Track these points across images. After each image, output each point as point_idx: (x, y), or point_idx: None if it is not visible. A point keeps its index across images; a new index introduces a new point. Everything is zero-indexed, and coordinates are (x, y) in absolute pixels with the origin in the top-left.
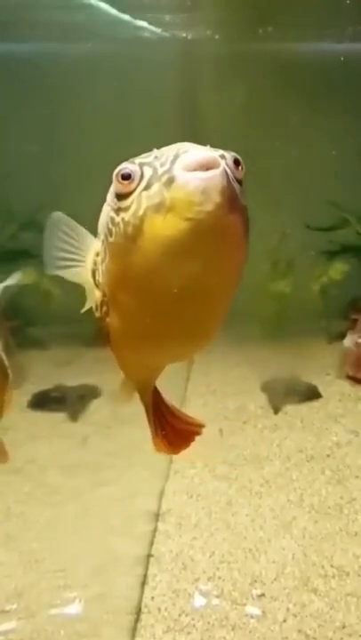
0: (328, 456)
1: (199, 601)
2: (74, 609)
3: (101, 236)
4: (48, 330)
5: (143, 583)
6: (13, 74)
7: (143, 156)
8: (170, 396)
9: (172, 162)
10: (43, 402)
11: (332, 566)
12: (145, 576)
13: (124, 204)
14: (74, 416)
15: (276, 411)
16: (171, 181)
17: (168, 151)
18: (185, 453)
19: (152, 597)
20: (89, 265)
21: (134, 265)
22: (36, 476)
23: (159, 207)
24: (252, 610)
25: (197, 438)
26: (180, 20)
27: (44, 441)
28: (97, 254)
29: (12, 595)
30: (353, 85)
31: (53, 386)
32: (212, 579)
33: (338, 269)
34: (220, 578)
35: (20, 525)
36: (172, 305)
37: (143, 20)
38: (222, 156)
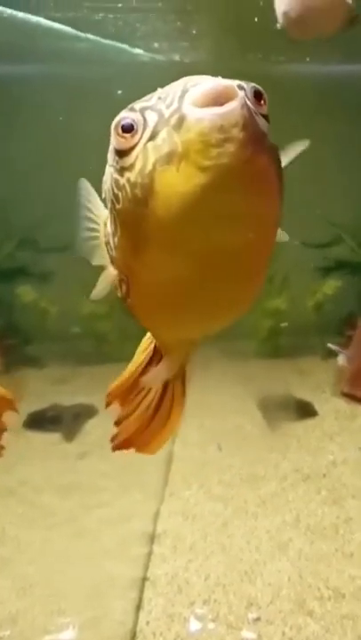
0: (324, 475)
1: (195, 625)
2: (68, 634)
3: (108, 204)
4: (44, 348)
5: (138, 607)
6: (12, 94)
7: (145, 98)
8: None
9: (180, 98)
10: (38, 422)
11: (328, 588)
12: (140, 600)
13: (128, 161)
14: (69, 436)
15: (272, 429)
16: (180, 122)
17: (173, 88)
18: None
19: (147, 622)
20: (102, 238)
21: (150, 233)
22: (31, 498)
23: (170, 157)
24: (248, 634)
25: (195, 458)
26: (176, 46)
27: (38, 462)
28: (106, 225)
29: (6, 620)
30: (345, 105)
31: (49, 405)
32: (208, 602)
33: (331, 285)
34: (215, 601)
35: (14, 549)
36: (200, 273)
37: (141, 47)
38: (240, 87)
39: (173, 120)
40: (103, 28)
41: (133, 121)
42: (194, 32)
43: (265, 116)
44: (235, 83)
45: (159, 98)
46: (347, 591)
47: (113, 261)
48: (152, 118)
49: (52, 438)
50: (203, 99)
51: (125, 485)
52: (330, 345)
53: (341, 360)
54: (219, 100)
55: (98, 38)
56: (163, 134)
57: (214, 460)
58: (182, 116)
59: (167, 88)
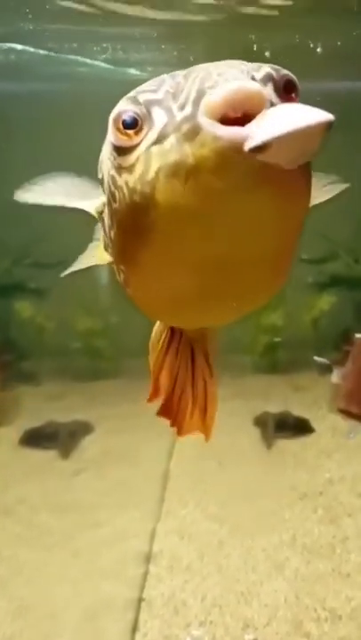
0: (321, 493)
1: None
2: None
3: (105, 193)
4: (41, 364)
5: (134, 629)
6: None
7: (150, 86)
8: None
9: (195, 103)
10: (34, 439)
11: (324, 609)
12: (136, 621)
13: (127, 161)
14: (65, 453)
15: (269, 446)
16: (194, 133)
17: (188, 82)
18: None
19: None
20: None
21: (148, 243)
22: (27, 517)
23: (178, 169)
24: None
25: (191, 475)
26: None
27: (34, 479)
28: (101, 212)
29: None
30: (340, 123)
31: (45, 422)
32: (204, 623)
33: (327, 301)
34: (211, 622)
35: (10, 569)
36: (202, 285)
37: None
38: (268, 78)
39: (186, 128)
40: (101, 55)
41: (137, 116)
42: (191, 59)
43: None
44: (263, 72)
45: (168, 90)
46: (343, 612)
47: (107, 248)
48: (160, 117)
49: (48, 455)
50: (222, 108)
51: (122, 503)
52: (315, 358)
53: (335, 377)
54: (242, 108)
55: (96, 62)
56: (171, 140)
57: (211, 478)
58: (197, 127)
59: (179, 78)
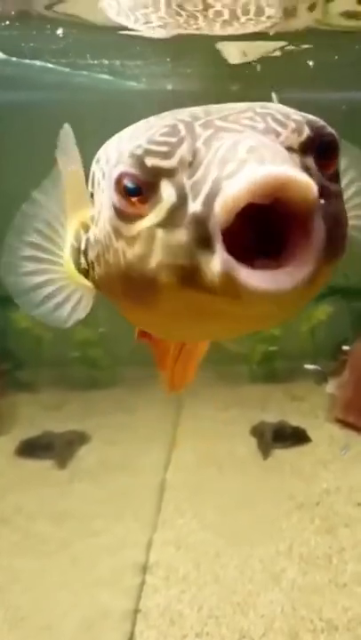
0: (317, 504)
1: None
2: None
3: (96, 241)
4: (37, 373)
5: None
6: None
7: (160, 137)
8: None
9: (212, 192)
10: (30, 449)
11: (321, 620)
12: (132, 633)
13: (127, 229)
14: (62, 463)
15: (266, 456)
16: (207, 249)
17: (208, 151)
18: None
19: None
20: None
21: (142, 307)
22: (25, 526)
23: (185, 272)
24: None
25: (188, 484)
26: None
27: (31, 489)
28: (85, 228)
29: None
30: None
31: (41, 432)
32: (200, 635)
33: (324, 311)
34: (208, 634)
35: (6, 579)
36: (195, 331)
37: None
38: (308, 145)
39: (199, 229)
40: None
41: (143, 185)
42: (188, 71)
43: (333, 176)
44: (304, 135)
45: (183, 161)
46: (340, 623)
47: (83, 271)
48: (169, 195)
49: (44, 465)
50: (240, 207)
51: (118, 513)
52: (307, 366)
53: (330, 387)
54: (269, 198)
55: (93, 73)
56: (181, 237)
57: (207, 488)
58: (213, 234)
59: (198, 147)
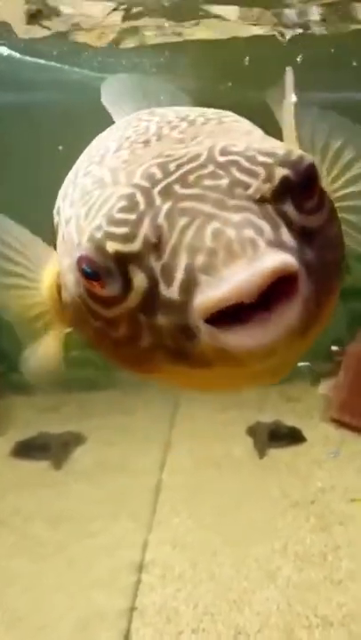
0: (313, 502)
1: None
2: None
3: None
4: None
5: (126, 637)
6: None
7: (117, 216)
8: None
9: (186, 286)
10: (26, 450)
11: (316, 616)
12: (128, 630)
13: (105, 311)
14: (57, 464)
15: (262, 456)
16: (191, 335)
17: (172, 230)
18: None
19: None
20: (47, 283)
21: (134, 367)
22: (21, 528)
23: (172, 351)
24: None
25: (184, 485)
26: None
27: (28, 491)
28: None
29: None
30: None
31: (37, 433)
32: (196, 631)
33: None
34: (204, 630)
35: (4, 580)
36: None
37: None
38: (285, 188)
39: (177, 321)
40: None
41: (106, 270)
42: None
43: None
44: (278, 177)
45: (146, 243)
46: (335, 619)
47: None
48: (140, 279)
49: (40, 466)
50: (222, 305)
51: (114, 514)
52: (299, 364)
53: (322, 388)
54: (253, 295)
55: (86, 71)
56: (162, 320)
57: (203, 487)
58: (193, 330)
59: (161, 224)
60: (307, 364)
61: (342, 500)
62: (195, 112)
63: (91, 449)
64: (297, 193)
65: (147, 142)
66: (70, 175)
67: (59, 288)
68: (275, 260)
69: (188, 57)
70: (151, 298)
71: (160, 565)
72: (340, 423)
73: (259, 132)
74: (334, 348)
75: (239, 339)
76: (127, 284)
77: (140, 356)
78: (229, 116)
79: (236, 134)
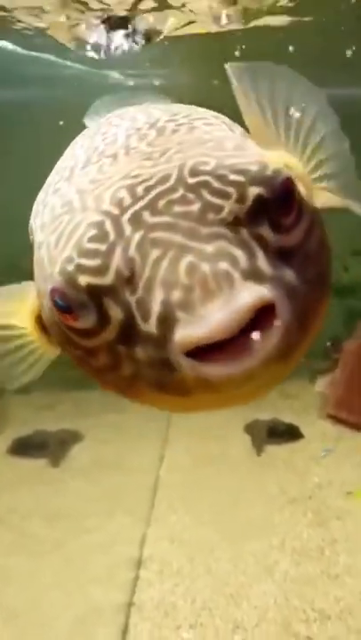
0: (310, 498)
1: None
2: None
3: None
4: None
5: (124, 632)
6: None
7: (87, 246)
8: None
9: (163, 322)
10: (23, 448)
11: (313, 610)
12: (126, 625)
13: (83, 341)
14: (55, 462)
15: (259, 452)
16: (171, 367)
17: (145, 263)
18: None
19: None
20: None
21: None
22: (19, 526)
23: (153, 381)
24: None
25: (181, 482)
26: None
27: (25, 488)
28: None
29: None
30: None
31: (34, 431)
32: (194, 626)
33: None
34: (201, 625)
35: (2, 578)
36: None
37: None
38: (258, 210)
39: (156, 354)
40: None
41: (75, 303)
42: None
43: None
44: (250, 199)
45: (119, 277)
46: (332, 613)
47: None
48: (116, 313)
49: (38, 464)
50: (203, 342)
51: (112, 510)
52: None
53: (318, 385)
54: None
55: (81, 66)
56: (142, 353)
57: (201, 484)
58: (171, 363)
59: (132, 256)
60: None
61: (339, 495)
62: (166, 114)
63: (88, 446)
64: (273, 210)
65: (115, 157)
66: (42, 191)
67: (39, 311)
68: (250, 295)
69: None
70: (129, 330)
71: (158, 561)
72: (337, 420)
73: (234, 135)
74: (328, 343)
75: (220, 370)
76: (103, 316)
77: (122, 384)
78: (202, 119)
79: (207, 146)
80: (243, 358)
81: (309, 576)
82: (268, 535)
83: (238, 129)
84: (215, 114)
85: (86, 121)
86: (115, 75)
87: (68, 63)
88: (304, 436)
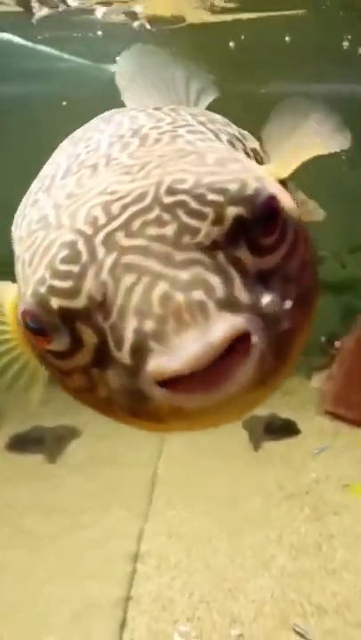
0: (307, 493)
1: None
2: None
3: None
4: None
5: (122, 626)
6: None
7: (59, 268)
8: None
9: (136, 351)
10: (20, 444)
11: (310, 604)
12: (124, 619)
13: (58, 363)
14: (52, 458)
15: (256, 448)
16: (144, 395)
17: (117, 289)
18: None
19: None
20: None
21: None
22: (15, 521)
23: (126, 406)
24: None
25: (179, 476)
26: None
27: (22, 484)
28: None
29: None
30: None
31: (31, 427)
32: (192, 619)
33: None
34: (199, 618)
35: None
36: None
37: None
38: (236, 230)
39: (131, 382)
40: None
41: (48, 326)
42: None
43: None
44: (229, 218)
45: (91, 300)
46: (329, 607)
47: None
48: (90, 337)
49: (35, 460)
50: (182, 373)
51: (110, 505)
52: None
53: (315, 382)
54: (209, 362)
55: (78, 59)
56: (115, 378)
57: (199, 479)
58: (142, 392)
59: (105, 280)
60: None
61: (337, 490)
62: (152, 120)
63: (86, 442)
64: (254, 231)
65: (94, 167)
66: (24, 199)
67: None
68: (224, 328)
69: None
70: (102, 355)
71: (155, 555)
72: (334, 415)
73: (218, 145)
74: (323, 338)
75: (193, 400)
76: (76, 339)
77: (98, 405)
78: (186, 126)
79: (187, 160)
80: (216, 388)
81: (307, 571)
82: (265, 530)
83: (231, 130)
84: (205, 115)
85: (118, 79)
86: (112, 68)
87: (65, 56)
88: (301, 432)
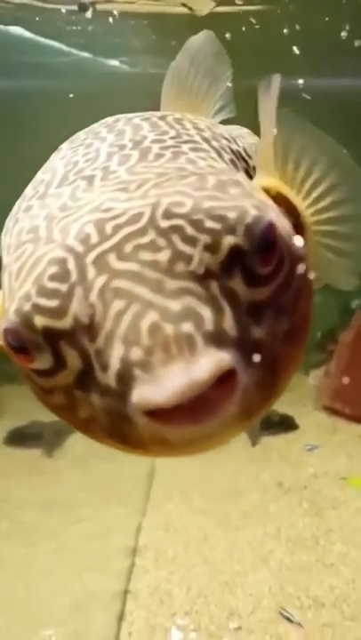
0: (305, 488)
1: (176, 636)
2: None
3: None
4: None
5: (120, 619)
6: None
7: (46, 285)
8: None
9: (122, 378)
10: (18, 438)
11: (308, 597)
12: (122, 612)
13: (40, 381)
14: (50, 452)
15: (254, 443)
16: (127, 420)
17: (106, 311)
18: None
19: (129, 633)
20: None
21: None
22: (13, 515)
23: (108, 430)
24: None
25: (177, 471)
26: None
27: (19, 478)
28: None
29: None
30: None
31: (29, 422)
32: (189, 613)
33: None
34: (196, 612)
35: None
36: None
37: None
38: (233, 260)
39: (115, 408)
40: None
41: (30, 345)
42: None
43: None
44: (223, 253)
45: (77, 322)
46: (327, 600)
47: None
48: (74, 358)
49: (33, 454)
50: (166, 403)
51: (108, 500)
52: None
53: (312, 378)
54: (193, 395)
55: (78, 52)
56: (99, 402)
57: (196, 474)
58: (126, 417)
59: (93, 302)
60: None
61: (335, 485)
62: (155, 131)
63: (84, 437)
64: (250, 262)
65: (91, 180)
66: (16, 204)
67: None
68: (210, 364)
69: None
70: (86, 377)
71: (153, 549)
72: (332, 411)
73: (219, 166)
74: (318, 334)
75: (176, 430)
76: (59, 360)
77: (79, 425)
78: (189, 142)
79: (186, 182)
80: (200, 421)
81: (304, 564)
82: (263, 524)
83: (235, 146)
84: (210, 130)
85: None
86: (113, 62)
87: (65, 49)
88: (299, 427)
